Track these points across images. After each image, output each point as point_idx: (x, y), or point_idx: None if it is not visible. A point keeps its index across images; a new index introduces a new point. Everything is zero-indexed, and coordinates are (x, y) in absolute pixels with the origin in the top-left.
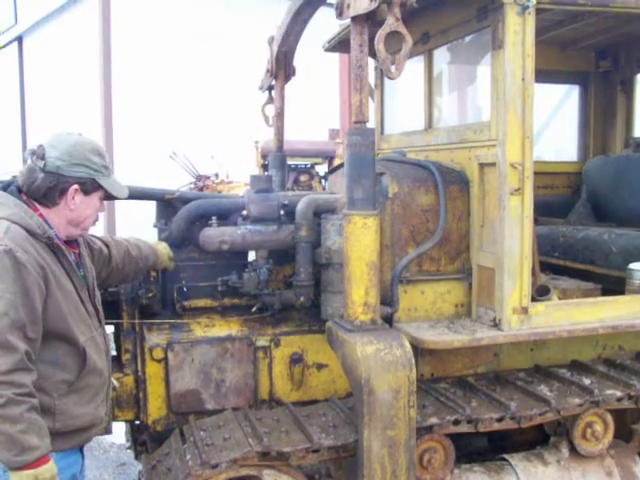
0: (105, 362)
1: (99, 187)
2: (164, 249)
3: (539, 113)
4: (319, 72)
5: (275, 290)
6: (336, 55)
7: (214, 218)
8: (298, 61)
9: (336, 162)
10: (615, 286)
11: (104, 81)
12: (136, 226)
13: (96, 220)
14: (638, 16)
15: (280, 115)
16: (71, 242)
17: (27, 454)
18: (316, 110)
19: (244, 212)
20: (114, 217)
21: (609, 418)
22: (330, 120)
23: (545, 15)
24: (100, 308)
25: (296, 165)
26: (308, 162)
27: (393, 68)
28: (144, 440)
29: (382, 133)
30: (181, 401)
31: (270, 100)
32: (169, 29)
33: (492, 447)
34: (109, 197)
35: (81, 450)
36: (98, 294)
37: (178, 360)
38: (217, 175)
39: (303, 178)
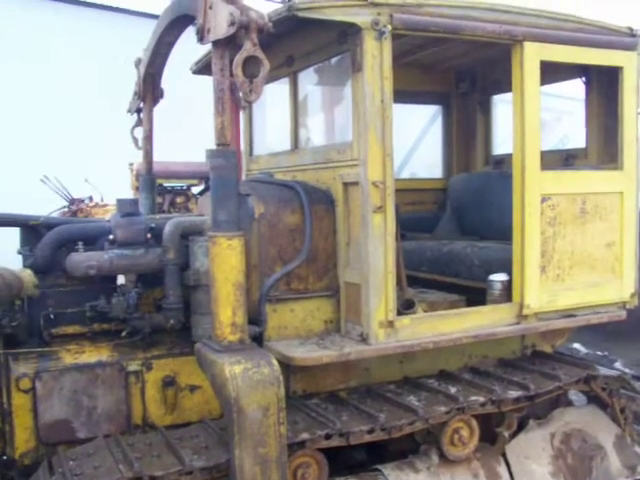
0: None
1: None
2: (28, 276)
3: (411, 132)
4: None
5: (145, 314)
6: None
7: (80, 243)
8: (188, 81)
9: None
10: (478, 297)
11: None
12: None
13: None
14: (488, 43)
15: (149, 138)
16: None
17: None
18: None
19: (111, 236)
20: None
21: (474, 423)
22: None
23: (405, 40)
24: None
25: (172, 187)
26: (184, 183)
27: (251, 93)
28: (12, 476)
29: (251, 154)
30: (51, 432)
31: (139, 123)
32: (36, 48)
33: (371, 459)
34: None
35: None
36: None
37: (47, 389)
38: (91, 198)
39: (179, 200)
